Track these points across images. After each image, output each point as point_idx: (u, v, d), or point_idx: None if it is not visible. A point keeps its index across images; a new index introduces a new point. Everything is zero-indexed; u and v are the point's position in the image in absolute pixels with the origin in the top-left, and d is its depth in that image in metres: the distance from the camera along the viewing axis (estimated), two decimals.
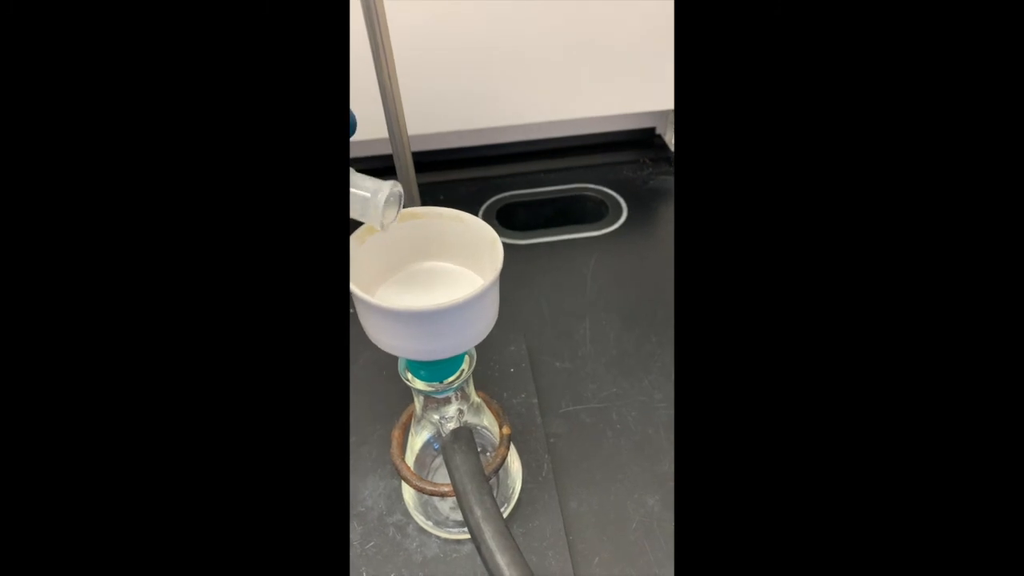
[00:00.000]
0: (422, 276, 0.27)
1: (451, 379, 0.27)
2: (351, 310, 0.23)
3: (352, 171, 0.23)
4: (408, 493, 0.34)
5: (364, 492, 0.35)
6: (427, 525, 0.33)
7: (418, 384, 0.27)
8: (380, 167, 0.51)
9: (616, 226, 0.54)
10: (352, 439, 0.37)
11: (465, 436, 0.27)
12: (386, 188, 0.23)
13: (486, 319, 0.25)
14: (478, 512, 0.24)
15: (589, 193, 0.58)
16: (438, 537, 0.33)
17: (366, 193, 0.23)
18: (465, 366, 0.28)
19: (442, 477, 0.33)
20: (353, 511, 0.34)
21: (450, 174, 0.60)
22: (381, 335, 0.24)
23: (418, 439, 0.33)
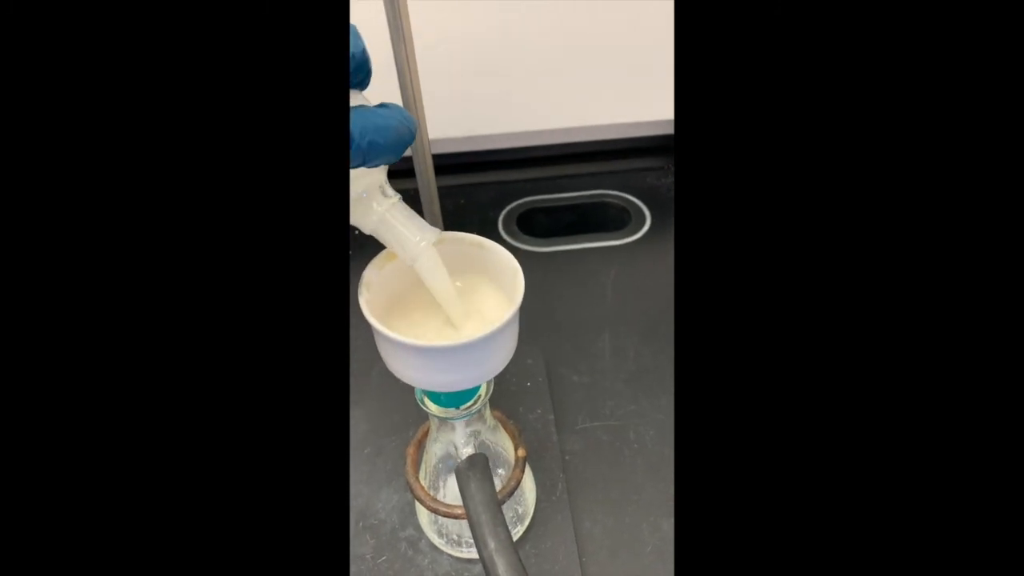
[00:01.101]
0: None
1: (468, 405, 0.27)
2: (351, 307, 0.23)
3: (405, 206, 0.23)
4: (422, 510, 0.34)
5: (378, 505, 0.35)
6: (440, 543, 0.33)
7: (434, 409, 0.27)
8: (400, 169, 0.50)
9: (639, 235, 0.53)
10: (366, 450, 0.38)
11: (480, 463, 0.26)
12: (432, 236, 0.23)
13: (505, 351, 0.24)
14: (491, 544, 0.24)
15: (611, 200, 0.57)
16: (450, 555, 0.33)
17: (413, 237, 0.23)
18: (482, 392, 0.27)
19: (454, 491, 0.33)
20: (366, 523, 0.34)
21: (470, 177, 0.59)
22: (399, 367, 0.23)
23: (432, 456, 0.32)
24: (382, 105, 0.22)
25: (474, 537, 0.24)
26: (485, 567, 0.24)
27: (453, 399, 0.27)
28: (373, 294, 0.24)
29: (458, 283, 0.27)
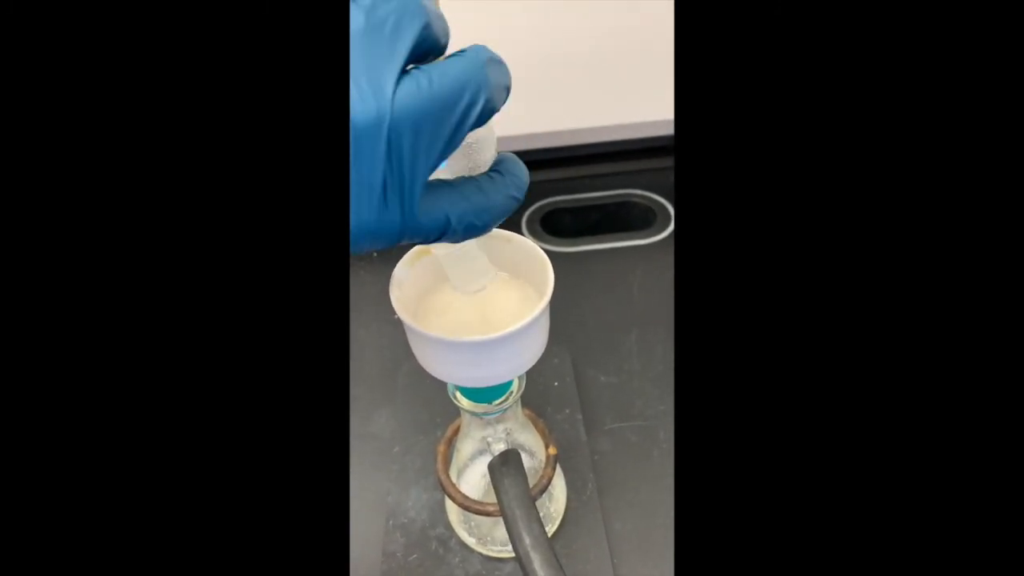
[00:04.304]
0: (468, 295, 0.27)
1: (500, 401, 0.27)
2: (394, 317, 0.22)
3: (462, 249, 0.22)
4: (452, 507, 0.34)
5: (407, 503, 0.35)
6: (470, 541, 0.32)
7: (467, 405, 0.27)
8: None
9: (664, 234, 0.52)
10: (395, 449, 0.38)
11: (514, 459, 0.26)
12: (493, 276, 0.23)
13: (537, 345, 0.24)
14: (527, 540, 0.24)
15: (636, 199, 0.56)
16: (480, 554, 0.32)
17: (476, 275, 0.23)
18: (514, 388, 0.27)
19: (471, 487, 0.33)
20: (396, 521, 0.34)
21: None
22: (432, 363, 0.23)
23: (463, 454, 0.32)
24: (497, 164, 0.19)
25: (509, 533, 0.24)
26: (520, 562, 0.24)
27: (486, 395, 0.27)
28: (404, 291, 0.25)
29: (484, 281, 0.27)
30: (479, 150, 0.19)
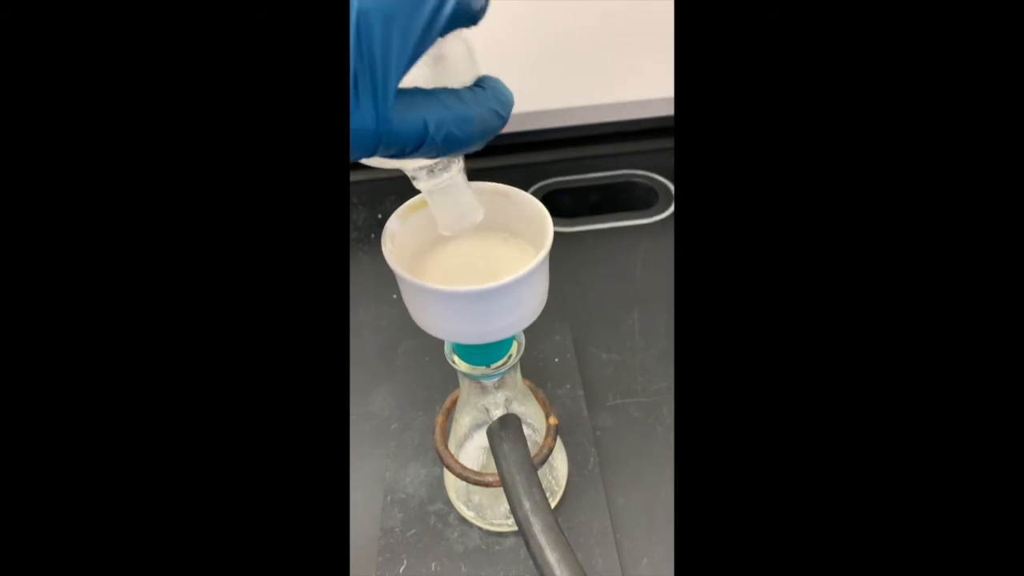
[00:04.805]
0: (465, 251, 0.26)
1: (499, 363, 0.26)
2: (395, 295, 0.21)
3: (449, 187, 0.22)
4: (451, 482, 0.33)
5: (405, 479, 0.34)
6: (469, 515, 0.32)
7: (464, 367, 0.26)
8: None
9: (666, 214, 0.52)
10: (394, 426, 0.37)
11: (513, 424, 0.26)
12: (480, 214, 0.22)
13: (536, 300, 0.23)
14: (527, 504, 0.23)
15: (638, 179, 0.56)
16: (480, 528, 0.32)
17: (463, 213, 0.22)
18: (513, 351, 0.26)
19: (470, 461, 0.32)
20: (394, 497, 0.33)
21: (494, 160, 0.59)
22: (428, 318, 0.23)
23: (462, 425, 0.32)
24: (480, 82, 0.19)
25: (508, 498, 0.24)
26: (520, 528, 0.23)
27: (483, 356, 0.26)
28: (397, 246, 0.24)
29: (488, 239, 0.26)
30: (456, 66, 0.18)
